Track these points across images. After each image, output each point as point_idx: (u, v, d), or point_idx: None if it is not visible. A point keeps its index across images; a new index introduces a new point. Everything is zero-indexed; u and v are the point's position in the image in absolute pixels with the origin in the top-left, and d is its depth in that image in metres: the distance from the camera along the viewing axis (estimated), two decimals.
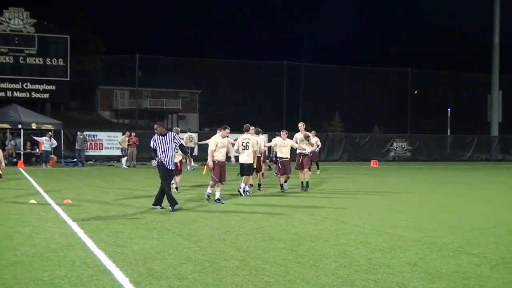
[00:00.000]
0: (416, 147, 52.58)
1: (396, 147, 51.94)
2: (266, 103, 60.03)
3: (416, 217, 14.18)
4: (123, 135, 39.57)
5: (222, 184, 17.12)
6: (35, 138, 37.56)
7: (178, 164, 21.13)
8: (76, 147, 37.61)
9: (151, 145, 15.33)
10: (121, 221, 12.95)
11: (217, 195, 16.79)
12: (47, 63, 43.40)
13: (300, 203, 17.09)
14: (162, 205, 15.20)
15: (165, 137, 15.21)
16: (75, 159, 38.24)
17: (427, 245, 10.42)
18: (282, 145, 20.63)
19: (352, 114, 65.47)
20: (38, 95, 43.71)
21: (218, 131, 23.94)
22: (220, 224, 12.72)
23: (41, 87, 43.52)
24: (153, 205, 15.30)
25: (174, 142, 15.21)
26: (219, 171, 16.81)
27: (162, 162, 15.03)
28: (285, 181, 20.74)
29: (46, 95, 43.89)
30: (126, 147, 37.84)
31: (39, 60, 43.26)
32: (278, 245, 10.23)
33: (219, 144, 16.84)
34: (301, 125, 21.80)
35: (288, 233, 11.58)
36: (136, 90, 52.47)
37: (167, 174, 15.17)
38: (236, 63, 58.47)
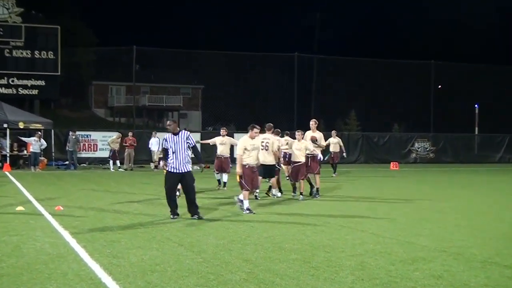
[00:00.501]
0: (440, 148, 52.45)
1: (418, 148, 51.84)
2: (275, 99, 59.95)
3: (440, 225, 14.14)
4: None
5: (254, 191, 16.67)
6: (23, 138, 37.59)
7: None
8: (68, 149, 37.59)
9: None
10: (118, 230, 12.98)
11: (246, 204, 16.23)
12: (35, 56, 43.44)
13: (313, 210, 17.07)
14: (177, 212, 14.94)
15: (177, 136, 14.88)
16: (66, 162, 38.24)
17: (453, 256, 10.39)
18: (297, 148, 19.91)
19: (369, 112, 65.48)
20: (25, 92, 43.78)
21: (222, 131, 24.05)
22: (225, 233, 12.73)
23: (29, 82, 43.58)
24: (191, 216, 14.87)
25: (187, 143, 14.85)
26: (251, 178, 16.33)
27: (169, 165, 14.75)
28: (301, 192, 19.89)
29: (34, 92, 43.94)
30: (116, 149, 37.65)
31: (26, 53, 43.31)
32: (289, 256, 10.22)
33: (249, 146, 16.29)
34: (313, 123, 21.59)
35: (300, 242, 11.57)
36: (133, 86, 52.63)
37: (172, 178, 14.80)
38: (243, 55, 58.39)
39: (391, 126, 67.89)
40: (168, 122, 15.42)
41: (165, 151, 15.08)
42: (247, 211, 15.95)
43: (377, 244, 11.49)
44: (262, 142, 19.50)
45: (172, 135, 14.92)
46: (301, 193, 19.80)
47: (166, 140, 14.95)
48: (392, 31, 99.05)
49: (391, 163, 43.88)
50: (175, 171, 14.70)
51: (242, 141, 16.49)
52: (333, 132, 35.05)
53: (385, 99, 64.50)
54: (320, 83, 63.02)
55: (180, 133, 14.98)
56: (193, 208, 14.89)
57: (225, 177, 23.62)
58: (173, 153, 14.74)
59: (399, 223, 14.35)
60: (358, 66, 60.86)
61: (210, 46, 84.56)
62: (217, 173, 23.70)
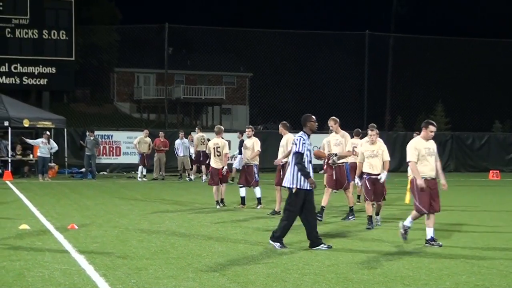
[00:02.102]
0: None
1: None
2: (341, 89, 59.77)
3: None
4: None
5: (434, 213, 14.74)
6: (28, 140, 37.66)
7: (220, 170, 22.03)
8: (85, 153, 37.75)
9: (296, 148, 13.93)
10: (145, 254, 13.11)
11: (430, 232, 14.66)
12: (43, 36, 43.70)
13: (386, 232, 16.97)
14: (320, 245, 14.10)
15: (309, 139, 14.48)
16: (83, 169, 38.56)
17: None
18: (371, 154, 17.65)
19: (461, 105, 64.63)
20: (31, 81, 44.19)
21: (247, 130, 23.02)
22: (278, 259, 12.76)
23: (36, 70, 43.93)
24: (311, 246, 14.07)
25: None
26: (429, 196, 14.56)
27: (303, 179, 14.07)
28: (377, 213, 18.28)
29: (43, 81, 44.34)
30: (146, 151, 37.31)
31: (32, 33, 43.62)
32: None
33: (423, 150, 14.67)
34: (332, 123, 19.69)
35: (371, 273, 11.57)
36: (165, 74, 52.84)
37: (302, 198, 14.05)
38: (301, 35, 58.40)
39: (491, 124, 66.96)
40: (307, 116, 14.50)
41: (302, 159, 14.15)
42: (431, 242, 14.51)
43: (471, 275, 11.40)
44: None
45: (308, 137, 14.36)
46: (376, 213, 18.21)
47: (303, 144, 14.14)
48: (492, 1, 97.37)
49: (490, 171, 43.31)
50: (305, 186, 14.08)
51: (414, 144, 14.82)
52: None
53: (483, 89, 63.61)
54: (398, 69, 62.57)
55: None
56: (315, 234, 14.22)
57: (257, 193, 22.53)
58: (309, 162, 14.23)
59: (500, 249, 14.20)
60: (447, 47, 60.24)
61: (260, 23, 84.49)
62: (241, 187, 22.63)
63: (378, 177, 17.39)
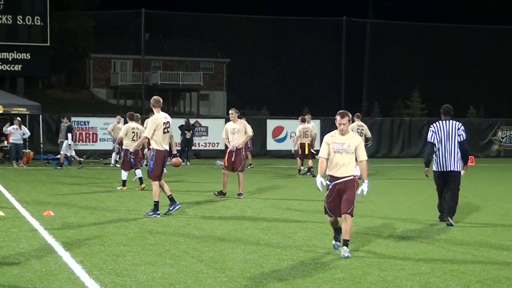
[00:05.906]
0: None
1: (503, 138, 51.10)
2: (319, 75, 59.73)
3: None
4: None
5: None
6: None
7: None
8: (60, 139, 37.55)
9: (429, 138, 15.81)
10: (122, 241, 13.11)
11: None
12: (18, 22, 43.20)
13: (363, 216, 17.00)
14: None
15: (448, 125, 15.60)
16: (58, 156, 38.36)
17: None
18: (340, 148, 12.05)
19: (437, 91, 64.78)
20: (5, 67, 43.75)
21: (231, 113, 22.59)
22: (256, 245, 12.80)
23: (10, 55, 43.54)
24: (442, 218, 15.66)
25: (458, 135, 15.56)
26: None
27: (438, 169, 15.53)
28: (345, 242, 11.92)
29: (17, 67, 43.94)
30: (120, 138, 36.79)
31: (6, 19, 43.12)
32: (335, 275, 10.28)
33: None
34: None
35: (349, 258, 11.60)
36: (142, 60, 52.63)
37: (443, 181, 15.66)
38: (278, 21, 58.28)
39: (466, 110, 67.13)
40: (446, 108, 16.19)
41: (431, 150, 16.01)
42: None
43: (446, 260, 11.48)
44: (358, 129, 26.03)
45: (444, 124, 15.75)
46: (346, 242, 11.94)
47: (434, 132, 15.85)
48: None
49: None
50: (442, 167, 15.70)
51: None
52: None
53: (458, 75, 63.73)
54: (375, 55, 62.60)
55: (450, 122, 15.89)
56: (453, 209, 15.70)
57: (241, 178, 21.30)
58: (443, 150, 15.70)
59: (475, 234, 14.27)
60: (423, 33, 60.32)
61: (237, 8, 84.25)
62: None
63: (358, 191, 12.02)
